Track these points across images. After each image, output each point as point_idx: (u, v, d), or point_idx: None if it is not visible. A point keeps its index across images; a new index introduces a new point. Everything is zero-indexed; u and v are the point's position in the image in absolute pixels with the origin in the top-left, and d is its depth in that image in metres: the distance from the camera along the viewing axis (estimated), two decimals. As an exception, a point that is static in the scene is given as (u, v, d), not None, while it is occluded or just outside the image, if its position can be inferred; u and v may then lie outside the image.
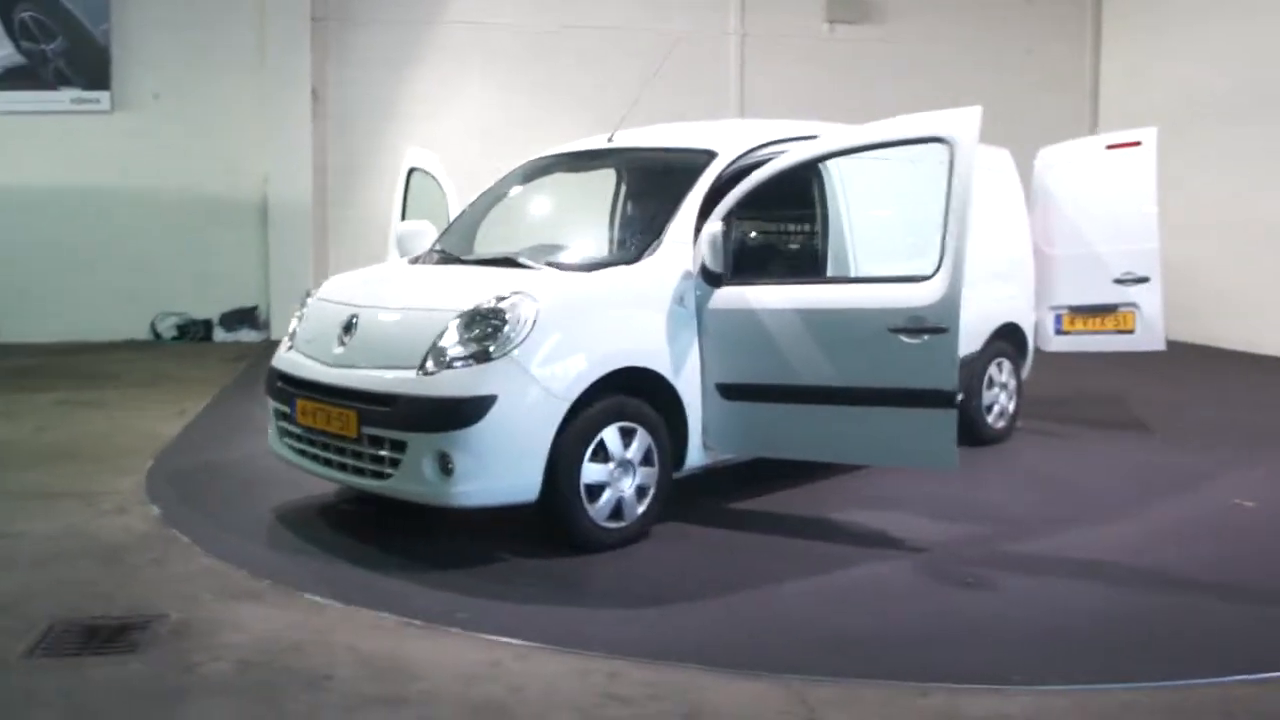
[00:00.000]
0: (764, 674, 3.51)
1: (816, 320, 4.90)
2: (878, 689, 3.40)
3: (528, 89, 13.93)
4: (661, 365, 4.96)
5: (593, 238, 5.57)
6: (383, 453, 4.67)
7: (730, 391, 5.10)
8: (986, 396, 7.08)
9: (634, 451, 4.87)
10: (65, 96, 12.68)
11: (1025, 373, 7.53)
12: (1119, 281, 7.32)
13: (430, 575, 4.56)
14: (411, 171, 7.63)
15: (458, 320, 4.64)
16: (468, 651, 3.75)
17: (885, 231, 6.09)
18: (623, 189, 6.24)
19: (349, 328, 5.00)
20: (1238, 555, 4.90)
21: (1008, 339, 7.25)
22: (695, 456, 5.20)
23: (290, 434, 5.23)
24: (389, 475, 4.66)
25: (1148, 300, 7.26)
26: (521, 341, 4.56)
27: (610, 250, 5.81)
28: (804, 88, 14.30)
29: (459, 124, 13.48)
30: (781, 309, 4.96)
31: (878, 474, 6.06)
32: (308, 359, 5.16)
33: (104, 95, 12.81)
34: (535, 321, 4.60)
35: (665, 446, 5.02)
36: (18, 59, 12.57)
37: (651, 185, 5.85)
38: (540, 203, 6.34)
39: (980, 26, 14.82)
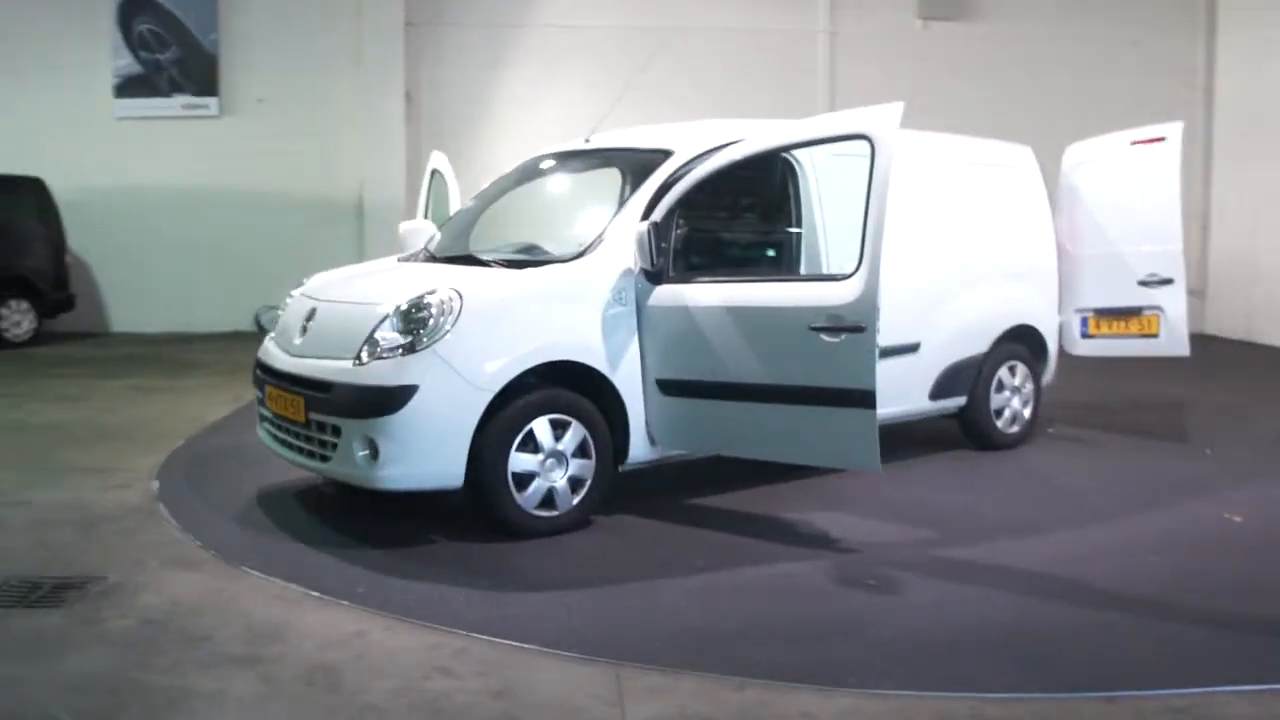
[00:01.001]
0: (599, 660, 3.59)
1: (744, 318, 4.93)
2: (699, 680, 3.44)
3: (619, 90, 14.11)
4: (596, 360, 5.07)
5: (555, 236, 5.71)
6: (325, 437, 4.93)
7: (669, 388, 5.16)
8: (995, 400, 6.89)
9: (567, 443, 5.00)
10: (177, 102, 13.58)
11: (1048, 377, 7.28)
12: (1143, 284, 7.02)
13: (362, 553, 4.79)
14: (433, 173, 7.93)
15: (392, 314, 4.87)
16: (344, 622, 3.96)
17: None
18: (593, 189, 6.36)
19: (309, 320, 5.30)
20: (1192, 571, 4.66)
21: (1022, 341, 7.03)
22: (640, 451, 5.28)
23: (264, 419, 5.57)
24: (329, 458, 4.93)
25: (1172, 303, 6.93)
26: (444, 335, 4.75)
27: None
28: (895, 86, 13.90)
29: (550, 125, 13.75)
30: (713, 307, 5.00)
31: (861, 475, 5.99)
32: (278, 349, 5.48)
33: (212, 101, 13.67)
34: (458, 316, 4.78)
35: (605, 440, 5.13)
36: (136, 68, 13.55)
37: (613, 185, 5.95)
38: (527, 202, 6.51)
39: (1084, 19, 14.29)
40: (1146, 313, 7.05)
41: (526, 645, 3.69)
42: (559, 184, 6.61)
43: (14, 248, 12.15)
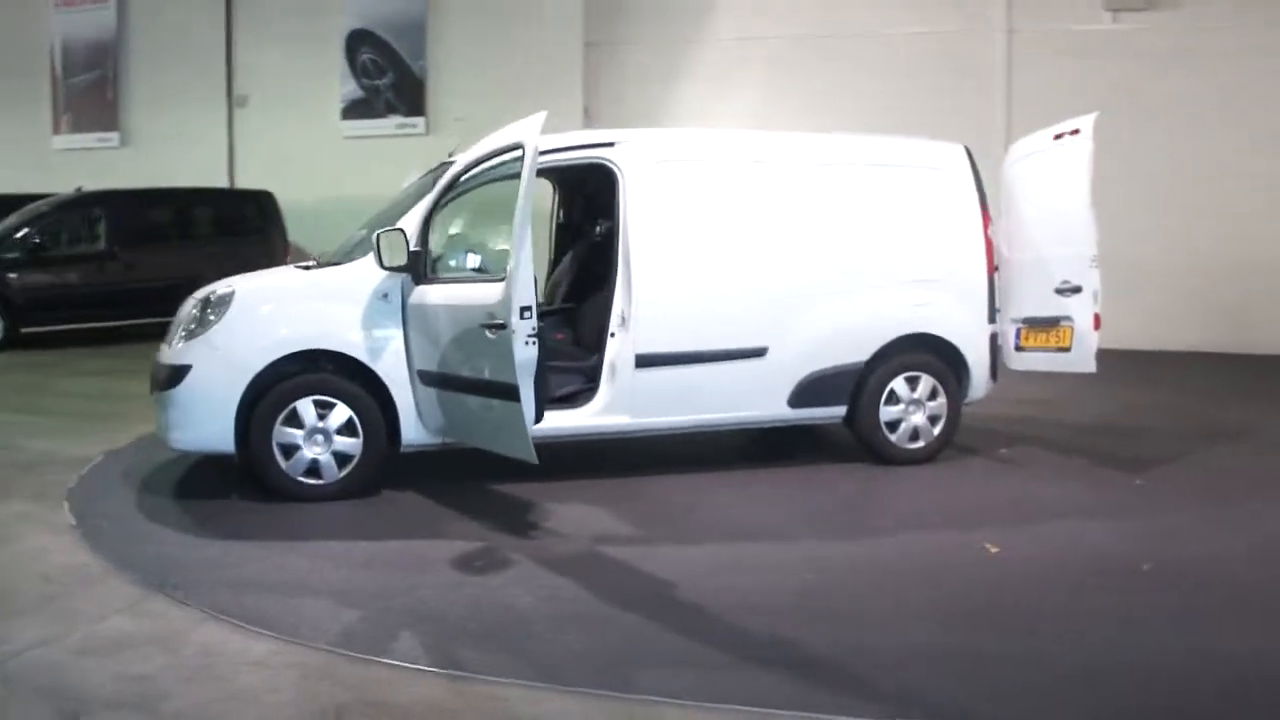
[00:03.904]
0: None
1: (450, 315, 5.37)
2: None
3: (791, 98, 14.28)
4: (357, 351, 5.66)
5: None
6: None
7: (424, 378, 5.68)
8: (887, 413, 6.60)
9: (330, 422, 5.66)
10: (391, 122, 15.44)
11: (973, 392, 6.83)
12: (1058, 292, 6.45)
13: (191, 503, 5.74)
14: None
15: (193, 307, 5.81)
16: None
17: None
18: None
19: None
20: (818, 592, 4.46)
21: (927, 351, 6.69)
22: (415, 435, 5.81)
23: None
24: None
25: (1080, 314, 6.31)
26: (215, 324, 5.61)
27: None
28: (1079, 85, 13.05)
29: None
30: (439, 304, 5.47)
31: (734, 476, 6.28)
32: None
33: (420, 120, 15.40)
34: (229, 309, 5.62)
35: (374, 422, 5.72)
36: (358, 93, 15.58)
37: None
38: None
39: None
40: (1062, 324, 6.47)
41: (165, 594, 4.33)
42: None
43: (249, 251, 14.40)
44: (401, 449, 5.88)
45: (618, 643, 3.91)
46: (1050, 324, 6.53)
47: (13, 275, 12.08)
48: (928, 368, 6.70)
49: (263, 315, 5.71)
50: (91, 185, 13.83)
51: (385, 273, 5.72)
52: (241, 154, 16.16)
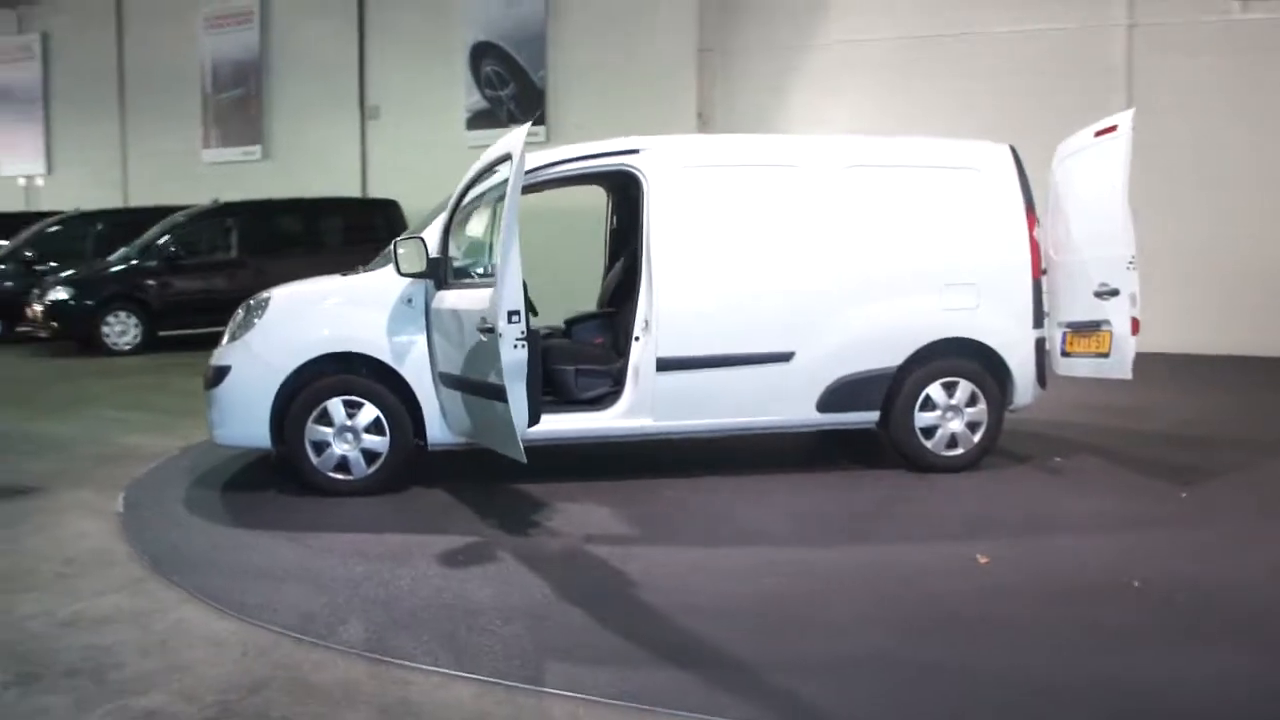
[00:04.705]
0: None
1: (454, 320, 5.60)
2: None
3: (902, 101, 14.06)
4: (382, 353, 5.96)
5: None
6: (210, 406, 6.43)
7: (443, 379, 5.93)
8: (922, 419, 6.49)
9: (359, 421, 5.99)
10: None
11: (1018, 399, 6.62)
12: (1097, 295, 6.20)
13: (233, 495, 6.19)
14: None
15: (241, 311, 6.25)
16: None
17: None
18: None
19: None
20: (773, 597, 4.47)
21: (965, 356, 6.54)
22: (439, 434, 6.07)
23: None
24: (210, 420, 6.42)
25: (1118, 318, 6.05)
26: (254, 327, 6.03)
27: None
28: (1205, 80, 12.49)
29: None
30: (451, 309, 5.70)
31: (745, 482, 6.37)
32: None
33: (541, 130, 15.78)
34: (264, 313, 6.03)
35: (401, 421, 6.03)
36: (482, 104, 16.13)
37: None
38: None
39: None
40: (1102, 328, 6.21)
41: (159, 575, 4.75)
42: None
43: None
44: (429, 448, 6.15)
45: (552, 638, 4.04)
46: (1091, 328, 6.28)
47: (151, 282, 13.07)
48: (966, 373, 6.55)
49: (295, 319, 6.10)
50: (235, 196, 14.84)
51: (408, 279, 6.01)
52: (373, 164, 16.98)
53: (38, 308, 12.91)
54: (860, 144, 6.76)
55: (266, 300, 6.15)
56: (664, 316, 6.20)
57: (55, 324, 12.92)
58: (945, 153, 6.74)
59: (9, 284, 14.05)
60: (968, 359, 6.57)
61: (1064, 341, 6.61)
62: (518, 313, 5.06)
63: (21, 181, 20.63)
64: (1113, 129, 6.11)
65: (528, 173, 6.21)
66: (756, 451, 7.12)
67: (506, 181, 5.41)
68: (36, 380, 11.22)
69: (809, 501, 6.08)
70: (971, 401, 6.55)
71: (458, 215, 6.03)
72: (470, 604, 4.36)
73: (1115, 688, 3.58)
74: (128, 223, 14.43)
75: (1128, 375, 6.08)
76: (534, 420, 5.41)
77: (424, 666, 3.73)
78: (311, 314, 6.16)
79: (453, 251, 6.04)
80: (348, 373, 6.02)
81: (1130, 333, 6.01)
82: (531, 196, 8.19)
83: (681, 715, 3.38)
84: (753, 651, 3.88)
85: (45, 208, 17.61)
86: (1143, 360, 6.29)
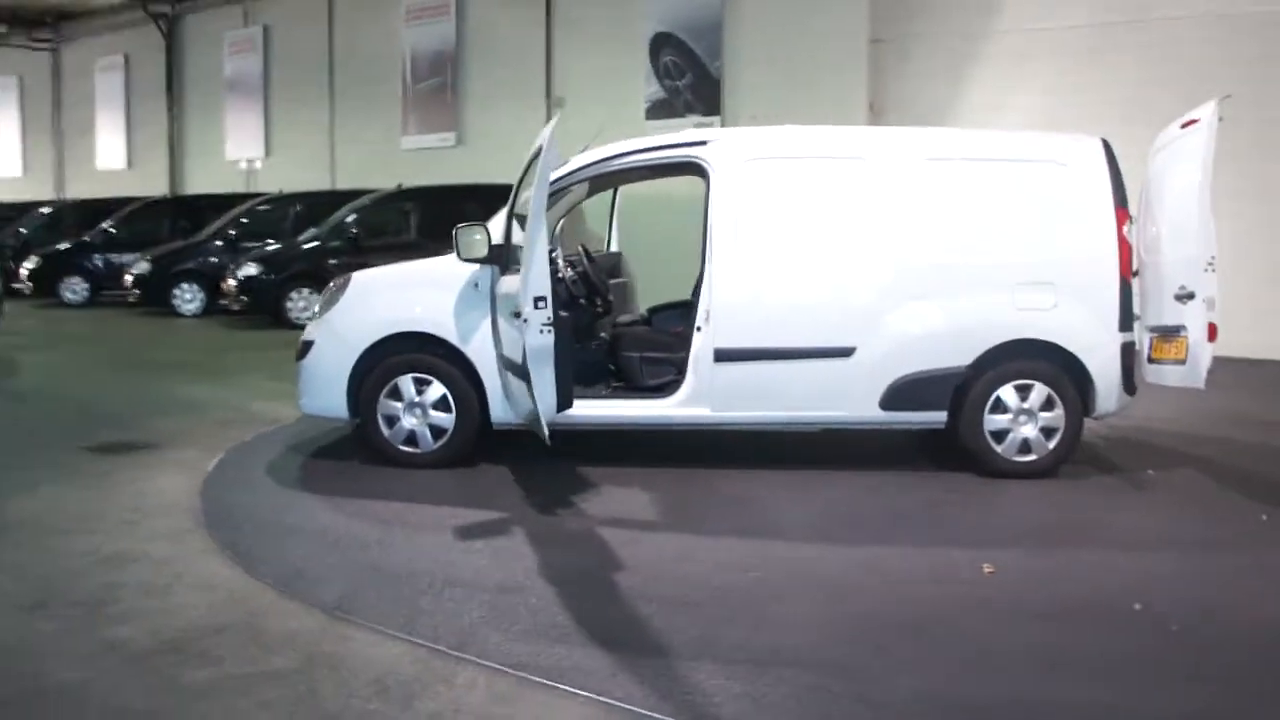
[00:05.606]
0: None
1: (502, 304, 5.85)
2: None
3: (1086, 92, 13.30)
4: (448, 334, 6.30)
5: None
6: (304, 378, 6.98)
7: (501, 361, 6.20)
8: (993, 422, 6.25)
9: (427, 397, 6.37)
10: (690, 122, 16.01)
11: (1100, 405, 6.24)
12: (1177, 298, 5.78)
13: (317, 462, 6.71)
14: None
15: (329, 289, 6.77)
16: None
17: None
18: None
19: None
20: (765, 591, 4.49)
21: (1042, 359, 6.23)
22: (502, 414, 6.32)
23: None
24: (311, 392, 6.96)
25: (1194, 323, 5.61)
26: (335, 305, 6.52)
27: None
28: None
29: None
30: (505, 294, 5.95)
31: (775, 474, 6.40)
32: None
33: (716, 120, 15.88)
34: (346, 293, 6.50)
35: (467, 399, 6.36)
36: (660, 94, 16.37)
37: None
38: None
39: None
40: (1181, 334, 5.79)
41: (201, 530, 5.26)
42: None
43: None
44: (494, 427, 6.44)
45: (509, 611, 4.21)
46: (1172, 333, 5.87)
47: (334, 261, 14.04)
48: (1041, 376, 6.25)
49: (371, 299, 6.53)
50: (430, 181, 15.73)
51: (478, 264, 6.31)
52: (561, 152, 17.51)
53: (231, 282, 14.15)
54: (938, 136, 6.57)
55: (348, 281, 6.62)
56: (722, 307, 6.25)
57: (245, 298, 14.11)
58: (1029, 146, 6.45)
59: (213, 260, 15.49)
60: (1043, 361, 6.26)
61: (1150, 347, 6.20)
62: (544, 298, 5.25)
63: (243, 165, 22.56)
64: (1193, 122, 5.67)
65: (595, 163, 6.51)
66: (831, 447, 7.03)
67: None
68: (213, 349, 12.36)
69: (852, 499, 5.99)
70: (1047, 406, 6.24)
71: (518, 203, 6.27)
72: (450, 574, 4.61)
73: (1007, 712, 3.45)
74: (324, 204, 15.59)
75: (1199, 385, 5.65)
76: (564, 405, 5.59)
77: (370, 625, 4.01)
78: (386, 295, 6.58)
79: (516, 238, 6.30)
80: (420, 352, 6.41)
81: (1206, 339, 5.58)
82: (641, 185, 8.59)
83: (573, 692, 3.51)
84: (686, 643, 3.93)
85: (260, 190, 19.24)
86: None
